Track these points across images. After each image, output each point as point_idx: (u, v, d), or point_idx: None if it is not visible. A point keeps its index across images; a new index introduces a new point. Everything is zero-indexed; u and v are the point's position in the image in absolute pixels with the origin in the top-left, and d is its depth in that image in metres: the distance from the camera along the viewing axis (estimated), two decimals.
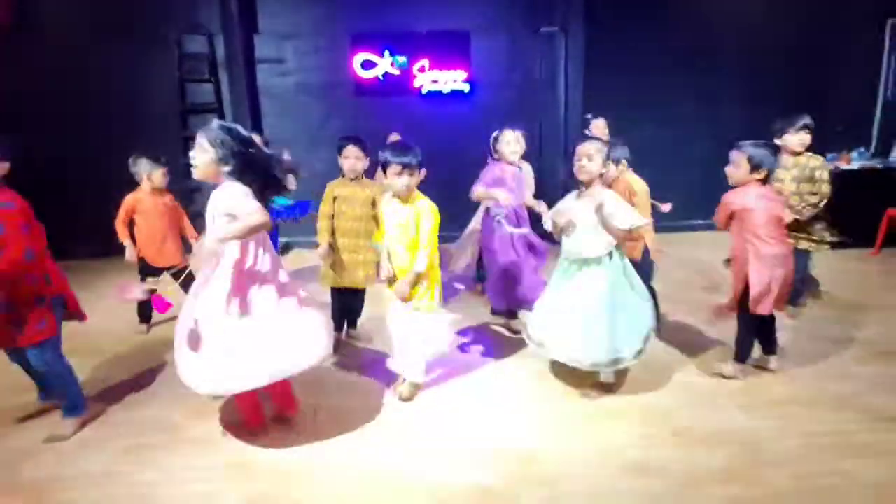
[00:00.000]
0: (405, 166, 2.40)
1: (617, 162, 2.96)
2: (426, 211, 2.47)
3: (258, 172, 2.11)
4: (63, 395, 2.44)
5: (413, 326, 2.55)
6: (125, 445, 2.31)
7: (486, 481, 1.99)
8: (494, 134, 3.34)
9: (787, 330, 3.29)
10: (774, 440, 2.18)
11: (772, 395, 2.53)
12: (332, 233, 3.11)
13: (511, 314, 3.48)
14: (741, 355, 2.71)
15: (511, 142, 3.19)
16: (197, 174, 2.09)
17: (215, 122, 2.11)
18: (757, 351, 2.79)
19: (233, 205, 2.01)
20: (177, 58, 5.90)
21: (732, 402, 2.47)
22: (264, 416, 2.40)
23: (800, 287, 3.57)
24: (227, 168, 2.06)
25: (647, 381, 2.70)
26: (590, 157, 2.41)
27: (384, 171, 2.49)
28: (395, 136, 4.96)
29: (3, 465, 2.19)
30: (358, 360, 3.13)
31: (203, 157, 2.05)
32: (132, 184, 3.58)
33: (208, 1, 5.79)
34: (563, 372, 2.72)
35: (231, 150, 2.04)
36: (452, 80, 6.21)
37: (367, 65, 6.10)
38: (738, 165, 2.53)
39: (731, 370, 2.70)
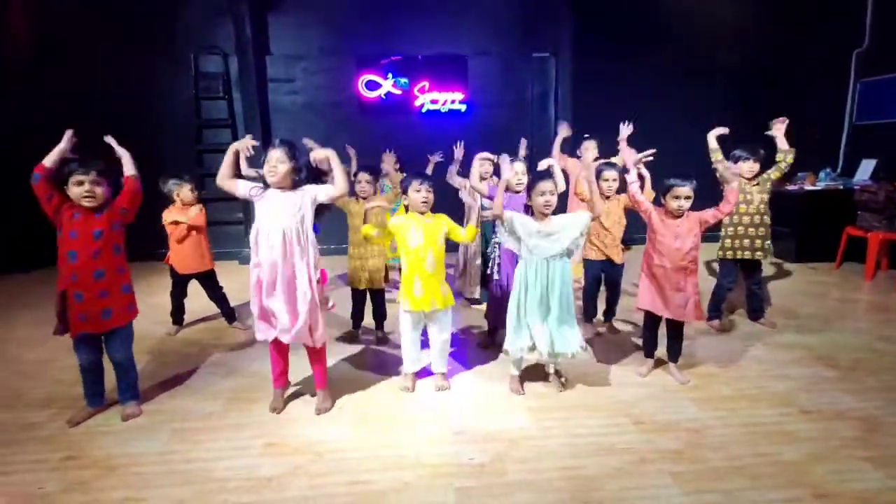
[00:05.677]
0: (423, 182, 2.86)
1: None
2: (443, 216, 2.96)
3: (311, 177, 2.67)
4: (130, 383, 2.88)
5: (447, 326, 3.03)
6: (172, 429, 2.70)
7: (480, 459, 2.40)
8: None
9: (741, 336, 3.76)
10: (717, 428, 2.61)
11: (720, 392, 2.98)
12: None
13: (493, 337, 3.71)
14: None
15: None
16: (275, 179, 2.57)
17: (280, 140, 2.62)
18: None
19: (321, 189, 2.65)
20: (193, 76, 6.31)
21: (686, 397, 2.92)
22: (286, 381, 2.96)
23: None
24: (297, 176, 2.61)
25: (615, 379, 3.16)
26: (552, 192, 2.77)
27: (405, 192, 2.89)
28: (388, 155, 5.14)
29: (72, 446, 2.56)
30: (373, 358, 3.58)
31: (283, 167, 2.56)
32: (153, 196, 3.73)
33: (224, 24, 6.20)
34: (538, 372, 3.15)
35: (301, 162, 2.61)
36: (450, 100, 6.67)
37: (371, 85, 6.53)
38: None
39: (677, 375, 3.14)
